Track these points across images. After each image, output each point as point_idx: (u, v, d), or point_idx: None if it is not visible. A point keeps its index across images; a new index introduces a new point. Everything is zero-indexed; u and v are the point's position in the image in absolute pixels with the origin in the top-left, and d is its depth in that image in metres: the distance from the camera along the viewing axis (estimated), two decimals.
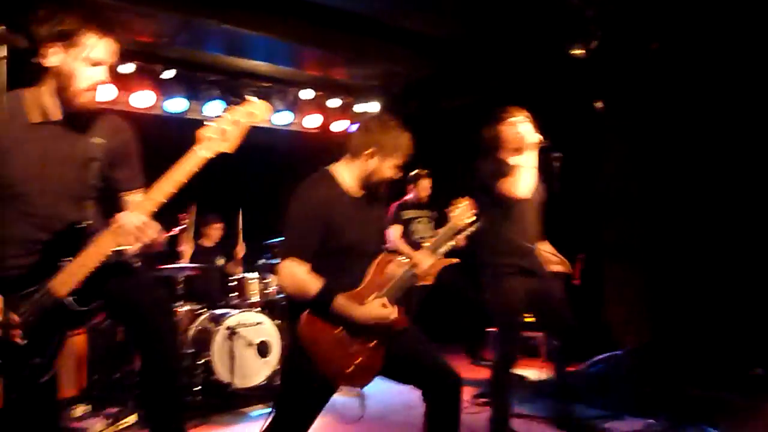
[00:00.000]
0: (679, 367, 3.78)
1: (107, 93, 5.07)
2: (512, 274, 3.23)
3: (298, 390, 2.27)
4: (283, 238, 2.32)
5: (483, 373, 4.98)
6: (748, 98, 4.26)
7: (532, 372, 4.94)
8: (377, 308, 2.25)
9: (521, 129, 3.22)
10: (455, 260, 5.14)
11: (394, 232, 5.27)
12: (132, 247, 1.97)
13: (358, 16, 4.90)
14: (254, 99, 2.04)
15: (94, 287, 2.00)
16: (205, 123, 1.99)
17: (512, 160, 3.24)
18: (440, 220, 5.39)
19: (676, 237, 4.47)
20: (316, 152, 6.51)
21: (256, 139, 6.96)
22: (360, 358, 2.25)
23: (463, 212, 2.63)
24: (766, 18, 4.01)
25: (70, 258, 1.98)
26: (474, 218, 2.66)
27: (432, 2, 4.63)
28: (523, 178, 3.09)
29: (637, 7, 4.49)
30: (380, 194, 2.47)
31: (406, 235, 5.27)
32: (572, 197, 4.20)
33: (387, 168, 2.37)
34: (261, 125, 6.70)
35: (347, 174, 2.41)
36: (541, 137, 3.15)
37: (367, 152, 2.35)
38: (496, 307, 3.31)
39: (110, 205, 2.17)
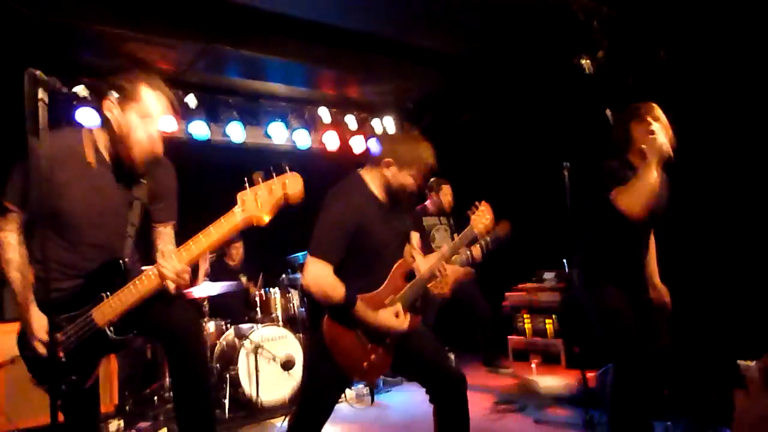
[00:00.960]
0: (698, 370, 3.79)
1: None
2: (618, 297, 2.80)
3: (318, 381, 2.45)
4: (314, 236, 2.40)
5: (500, 381, 5.06)
6: (755, 103, 4.29)
7: (553, 379, 4.98)
8: (391, 318, 2.41)
9: (657, 133, 2.67)
10: (470, 270, 5.23)
11: (412, 239, 5.31)
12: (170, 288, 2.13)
13: (369, 35, 5.03)
14: (290, 171, 2.13)
15: (130, 320, 2.18)
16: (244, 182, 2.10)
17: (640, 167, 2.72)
18: (459, 230, 5.48)
19: (691, 239, 4.49)
20: (334, 169, 6.64)
21: (277, 160, 7.12)
22: (374, 356, 2.44)
23: (481, 216, 2.77)
24: None
25: (109, 291, 2.15)
26: (492, 222, 2.78)
27: (441, 20, 4.74)
28: (641, 194, 2.59)
29: (643, 16, 4.56)
30: (403, 202, 2.57)
31: (425, 243, 5.26)
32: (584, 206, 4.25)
33: (405, 177, 2.49)
34: (281, 148, 6.84)
35: (371, 179, 2.54)
36: (671, 151, 2.66)
37: (385, 161, 2.49)
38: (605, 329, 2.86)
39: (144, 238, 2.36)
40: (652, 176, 2.58)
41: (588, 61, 4.47)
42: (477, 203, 2.86)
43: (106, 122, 2.17)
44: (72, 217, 2.16)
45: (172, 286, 2.11)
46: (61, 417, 1.91)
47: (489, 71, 5.66)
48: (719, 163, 4.45)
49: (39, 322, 2.10)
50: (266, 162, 6.06)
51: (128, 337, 2.19)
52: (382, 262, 2.51)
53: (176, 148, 5.42)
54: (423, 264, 2.65)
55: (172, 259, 2.10)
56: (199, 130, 5.75)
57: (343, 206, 2.41)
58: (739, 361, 2.95)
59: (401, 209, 2.61)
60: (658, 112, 2.83)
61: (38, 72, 1.85)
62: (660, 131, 2.69)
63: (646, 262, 3.01)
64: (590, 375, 4.17)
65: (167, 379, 4.61)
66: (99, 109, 2.08)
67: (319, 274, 2.32)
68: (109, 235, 2.22)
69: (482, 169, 6.41)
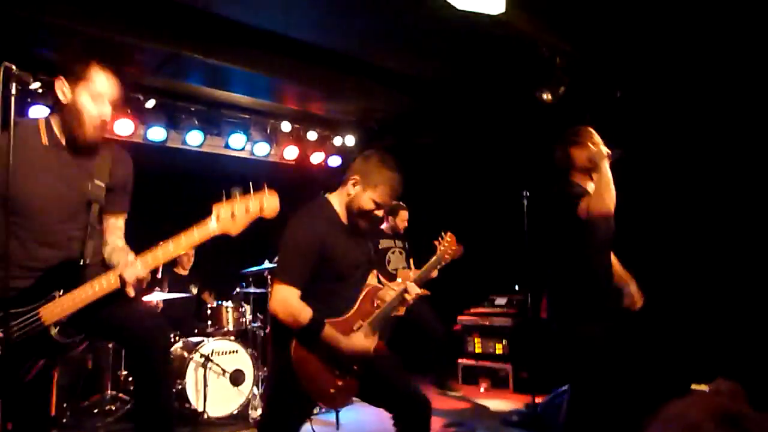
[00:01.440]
0: (653, 393, 3.92)
1: None
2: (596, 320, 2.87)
3: (282, 407, 2.38)
4: (279, 261, 2.40)
5: (450, 404, 5.10)
6: (713, 142, 4.56)
7: (501, 402, 5.06)
8: (360, 341, 2.38)
9: (593, 146, 2.93)
10: (426, 292, 5.27)
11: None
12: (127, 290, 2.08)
13: (336, 53, 5.08)
14: (268, 190, 2.15)
15: (80, 323, 2.11)
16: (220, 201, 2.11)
17: (589, 179, 2.98)
18: (416, 253, 5.52)
19: (646, 261, 4.69)
20: (293, 183, 6.63)
21: (234, 168, 7.06)
22: (341, 382, 2.39)
23: (449, 245, 2.81)
24: (731, 64, 4.33)
25: (63, 290, 2.09)
26: (459, 251, 2.82)
27: (408, 43, 4.84)
28: (607, 191, 2.77)
29: (603, 57, 4.79)
30: (361, 226, 2.51)
31: (381, 265, 5.30)
32: (540, 234, 4.38)
33: (366, 199, 2.43)
34: (240, 156, 6.78)
35: (338, 202, 2.52)
36: (610, 150, 2.90)
37: (352, 178, 2.47)
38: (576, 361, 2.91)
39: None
40: (608, 173, 2.78)
41: (548, 95, 4.64)
42: (443, 233, 2.89)
43: (57, 104, 2.14)
44: (32, 210, 2.10)
45: (131, 292, 2.07)
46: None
47: (453, 96, 5.79)
48: (667, 199, 4.68)
49: None
50: (224, 169, 5.98)
51: (74, 340, 2.12)
52: (347, 287, 2.49)
53: (133, 151, 5.36)
54: (391, 290, 2.62)
55: (135, 267, 2.06)
56: (158, 135, 5.65)
57: (308, 231, 2.38)
58: (693, 385, 3.08)
59: (363, 234, 2.58)
60: (594, 135, 3.04)
61: (13, 66, 1.81)
62: (593, 141, 2.97)
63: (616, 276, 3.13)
64: (538, 399, 4.27)
65: (108, 391, 4.45)
66: (52, 94, 2.00)
67: (286, 299, 2.29)
68: (68, 231, 2.17)
69: (441, 192, 6.52)
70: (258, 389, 4.71)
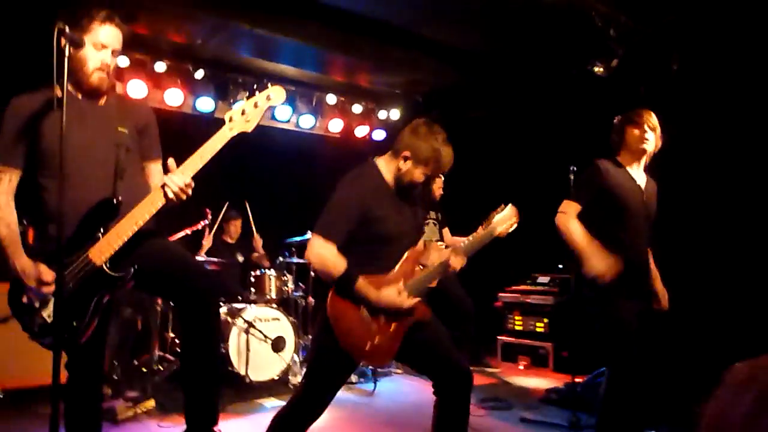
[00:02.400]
0: (683, 378, 3.83)
1: (139, 90, 5.27)
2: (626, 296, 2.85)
3: (323, 362, 2.42)
4: (321, 215, 2.41)
5: (488, 380, 5.09)
6: (763, 117, 4.32)
7: (541, 380, 5.02)
8: (391, 295, 2.35)
9: (647, 136, 2.94)
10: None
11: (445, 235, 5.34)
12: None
13: (383, 23, 5.02)
14: (272, 86, 2.29)
15: (128, 255, 2.19)
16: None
17: (630, 167, 3.02)
18: (449, 225, 5.46)
19: (684, 245, 4.53)
20: (337, 155, 6.67)
21: (281, 140, 7.13)
22: (378, 339, 2.37)
23: (506, 218, 2.70)
24: None
25: (104, 229, 2.17)
26: (516, 225, 2.73)
27: (458, 14, 4.74)
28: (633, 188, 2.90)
29: (660, 27, 4.58)
30: (412, 194, 2.54)
31: None
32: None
33: (418, 173, 2.44)
34: (286, 128, 6.85)
35: (386, 169, 2.51)
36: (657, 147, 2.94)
37: (403, 153, 2.44)
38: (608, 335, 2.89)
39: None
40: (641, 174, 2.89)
41: (601, 67, 4.48)
42: (503, 205, 2.77)
43: (60, 63, 2.14)
44: (61, 155, 2.14)
45: (175, 196, 2.15)
46: (63, 378, 1.91)
47: (502, 70, 5.66)
48: (740, 181, 4.47)
49: (30, 269, 2.13)
50: (270, 141, 6.03)
51: (128, 272, 2.19)
52: (392, 251, 2.47)
53: (182, 121, 5.47)
54: (438, 255, 2.59)
55: (175, 174, 2.14)
56: (206, 105, 5.74)
57: (353, 190, 2.41)
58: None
59: (414, 202, 2.58)
60: (654, 120, 2.98)
61: (67, 27, 1.87)
62: (650, 133, 2.94)
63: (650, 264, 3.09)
64: (578, 379, 4.21)
65: (157, 351, 4.62)
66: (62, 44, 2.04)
67: (321, 251, 2.32)
68: (98, 175, 2.24)
69: (486, 167, 6.42)
70: (298, 356, 4.81)
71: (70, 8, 2.22)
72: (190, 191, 2.17)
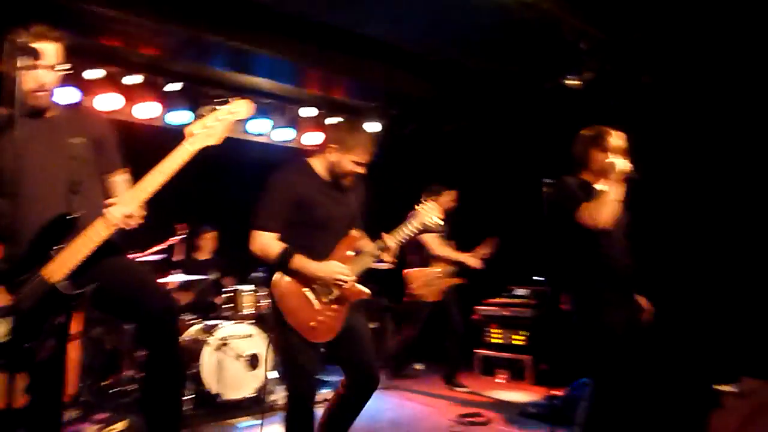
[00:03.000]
0: (674, 393, 3.83)
1: (112, 103, 5.18)
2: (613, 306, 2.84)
3: (283, 348, 2.61)
4: (254, 211, 2.63)
5: (466, 394, 5.04)
6: (739, 127, 4.39)
7: (519, 394, 4.99)
8: (333, 265, 2.58)
9: (613, 156, 2.86)
10: (461, 281, 5.21)
11: (431, 240, 5.10)
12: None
13: (359, 37, 5.02)
14: (237, 99, 2.28)
15: (86, 272, 2.12)
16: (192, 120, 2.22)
17: (598, 185, 2.86)
18: (453, 237, 5.38)
19: (669, 260, 4.56)
20: None
21: (258, 153, 7.05)
22: (321, 317, 2.58)
23: (429, 211, 2.88)
24: (759, 49, 4.15)
25: (56, 247, 2.10)
26: (441, 220, 2.91)
27: (433, 27, 4.75)
28: (606, 207, 2.74)
29: (630, 41, 4.64)
30: (346, 184, 2.74)
31: (419, 250, 5.11)
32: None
33: (347, 162, 2.67)
34: (261, 141, 6.78)
35: (319, 165, 2.75)
36: (631, 168, 2.80)
37: (329, 146, 2.70)
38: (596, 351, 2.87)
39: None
40: (615, 190, 2.74)
41: (574, 80, 4.52)
42: (427, 199, 2.96)
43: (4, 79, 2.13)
44: (13, 179, 2.12)
45: (121, 225, 2.11)
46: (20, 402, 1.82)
47: (477, 82, 5.69)
48: (713, 193, 4.51)
49: None
50: (245, 154, 5.99)
51: (85, 290, 2.12)
52: (328, 236, 2.68)
53: (154, 134, 5.39)
54: (369, 242, 2.81)
55: (121, 202, 2.11)
56: (180, 118, 5.65)
57: (280, 182, 2.65)
58: (715, 386, 3.00)
59: (347, 191, 2.76)
60: (619, 138, 2.97)
61: (21, 38, 1.84)
62: (618, 158, 2.85)
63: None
64: (557, 392, 4.20)
65: (126, 372, 4.50)
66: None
67: (261, 240, 2.56)
68: (52, 190, 2.18)
69: (462, 179, 6.42)
70: (274, 374, 4.72)
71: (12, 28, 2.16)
72: (133, 222, 2.12)
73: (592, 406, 2.82)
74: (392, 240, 2.73)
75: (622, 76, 4.75)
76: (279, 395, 4.43)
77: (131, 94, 5.36)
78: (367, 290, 2.70)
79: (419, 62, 5.50)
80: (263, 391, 4.53)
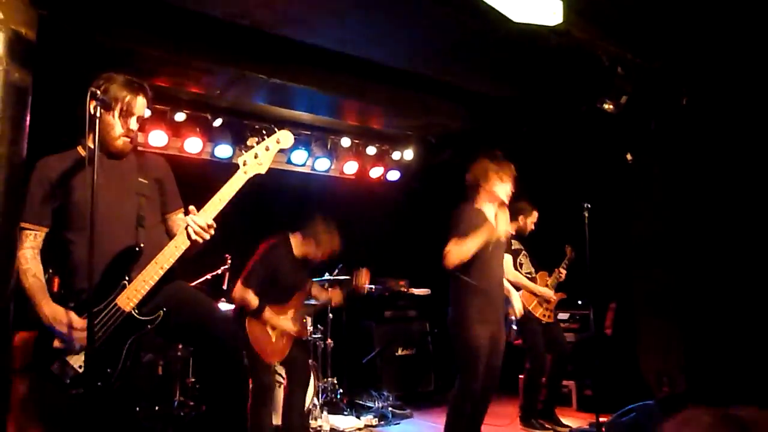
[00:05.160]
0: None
1: (160, 139, 5.44)
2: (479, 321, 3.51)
3: (250, 361, 3.54)
4: (248, 270, 3.97)
5: (509, 418, 4.99)
6: None
7: (565, 421, 4.92)
8: (286, 322, 4.03)
9: (498, 187, 3.66)
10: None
11: (506, 262, 4.69)
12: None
13: (395, 69, 5.16)
14: (280, 131, 2.48)
15: (154, 300, 2.28)
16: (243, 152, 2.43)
17: (485, 208, 3.69)
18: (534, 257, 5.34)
19: (710, 286, 4.49)
20: (353, 197, 6.76)
21: (298, 183, 7.20)
22: (275, 345, 3.97)
23: (364, 278, 4.47)
24: None
25: (128, 277, 2.26)
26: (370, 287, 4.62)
27: (467, 57, 4.86)
28: (461, 252, 3.44)
29: (667, 63, 4.66)
30: (311, 263, 4.20)
31: (516, 266, 4.99)
32: (603, 247, 4.27)
33: (318, 254, 4.11)
34: (302, 171, 6.94)
35: (295, 244, 4.11)
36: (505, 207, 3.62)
37: (309, 239, 4.10)
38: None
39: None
40: (476, 243, 3.43)
41: (611, 105, 4.55)
42: (359, 269, 4.51)
43: (91, 124, 2.22)
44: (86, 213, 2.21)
45: (198, 238, 2.27)
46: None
47: (513, 110, 5.76)
48: (751, 213, 4.45)
49: (60, 315, 2.20)
50: (287, 184, 6.35)
51: (157, 315, 2.27)
52: (288, 293, 4.13)
53: (201, 167, 5.60)
54: (320, 291, 4.57)
55: (196, 216, 2.27)
56: (224, 152, 5.88)
57: (268, 258, 4.00)
58: None
59: (308, 266, 4.23)
60: (506, 166, 3.73)
61: (98, 90, 2.00)
62: (503, 185, 3.72)
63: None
64: (603, 418, 4.14)
65: (178, 397, 4.63)
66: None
67: (243, 294, 3.87)
68: (122, 228, 2.34)
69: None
70: (318, 399, 4.79)
71: (102, 74, 2.37)
72: (212, 231, 2.28)
73: None
74: (338, 297, 4.58)
75: (661, 98, 4.75)
76: None
77: (179, 129, 5.61)
78: (308, 329, 4.75)
79: (455, 92, 5.60)
80: (308, 417, 4.60)
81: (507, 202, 3.71)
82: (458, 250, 3.42)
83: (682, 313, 4.87)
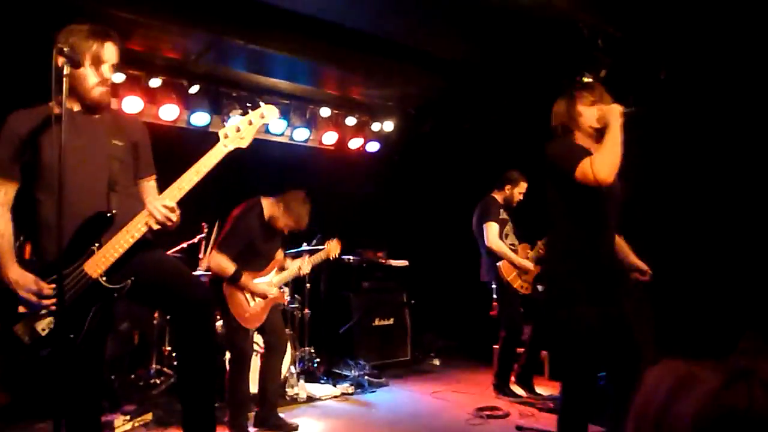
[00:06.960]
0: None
1: (135, 105, 5.32)
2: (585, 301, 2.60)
3: (228, 324, 3.89)
4: (223, 236, 3.95)
5: (483, 387, 5.09)
6: (757, 123, 4.39)
7: (537, 389, 5.03)
8: (263, 286, 3.95)
9: (601, 105, 2.68)
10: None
11: (491, 231, 4.92)
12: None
13: (375, 37, 5.09)
14: (264, 104, 2.39)
15: (123, 267, 2.24)
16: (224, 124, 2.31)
17: (594, 143, 2.68)
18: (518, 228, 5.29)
19: (687, 257, 4.57)
20: (332, 167, 6.72)
21: (276, 153, 7.13)
22: (252, 310, 3.92)
23: (335, 247, 4.46)
24: None
25: (98, 243, 2.22)
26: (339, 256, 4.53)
27: (448, 25, 4.81)
28: (612, 154, 2.49)
29: (647, 37, 4.66)
30: (276, 228, 4.03)
31: (501, 236, 4.96)
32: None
33: (283, 222, 3.98)
34: (280, 140, 6.87)
35: (267, 209, 3.98)
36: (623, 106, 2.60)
37: (283, 207, 3.95)
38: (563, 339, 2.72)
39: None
40: (619, 132, 2.52)
41: (590, 77, 4.55)
42: (331, 239, 4.50)
43: (59, 82, 2.16)
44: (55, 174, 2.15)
45: (161, 222, 2.22)
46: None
47: (493, 80, 5.73)
48: (727, 190, 4.51)
49: (23, 280, 2.17)
50: (264, 154, 6.25)
51: (124, 284, 2.24)
52: (263, 260, 4.10)
53: (177, 135, 5.51)
54: (292, 262, 4.38)
55: (162, 200, 2.22)
56: (201, 120, 5.77)
57: (244, 223, 3.93)
58: None
59: (277, 231, 4.07)
60: (605, 93, 2.78)
61: (65, 47, 1.93)
62: (601, 101, 2.70)
63: (616, 251, 2.87)
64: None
65: (154, 366, 4.63)
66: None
67: (219, 260, 3.82)
68: (92, 188, 2.29)
69: (478, 177, 6.48)
70: (295, 368, 4.82)
71: (68, 26, 2.28)
72: (174, 217, 2.22)
73: (563, 411, 2.68)
74: (307, 265, 4.35)
75: (640, 72, 4.76)
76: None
77: (154, 96, 5.48)
78: (285, 297, 4.54)
79: (434, 61, 5.55)
80: (284, 385, 4.64)
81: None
82: (604, 157, 2.49)
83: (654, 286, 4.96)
